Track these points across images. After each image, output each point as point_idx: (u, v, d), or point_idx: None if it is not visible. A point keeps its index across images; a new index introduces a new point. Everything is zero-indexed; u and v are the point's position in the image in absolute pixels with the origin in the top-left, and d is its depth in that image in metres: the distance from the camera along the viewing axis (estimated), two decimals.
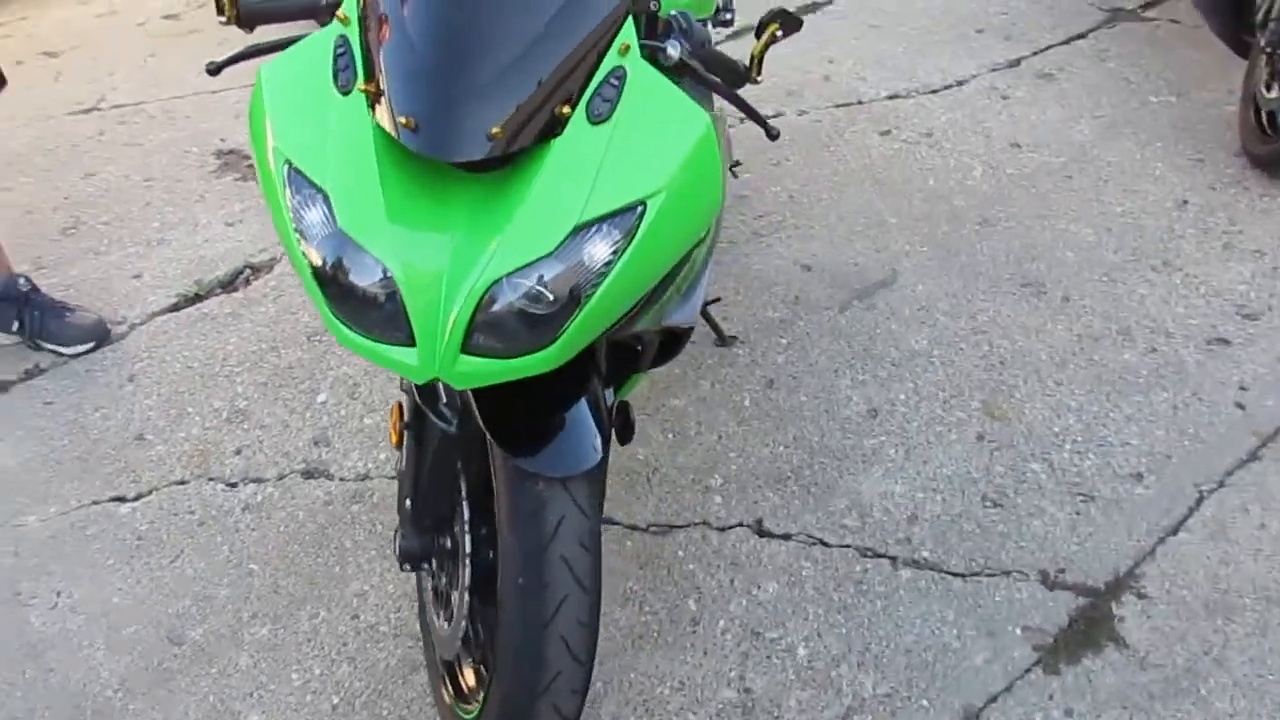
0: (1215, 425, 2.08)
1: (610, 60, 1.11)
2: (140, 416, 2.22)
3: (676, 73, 1.28)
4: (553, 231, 1.04)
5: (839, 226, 2.73)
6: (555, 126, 1.08)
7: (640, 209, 1.07)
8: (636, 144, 1.10)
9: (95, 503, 2.03)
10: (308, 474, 2.07)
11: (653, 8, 1.28)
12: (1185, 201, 2.74)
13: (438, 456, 1.38)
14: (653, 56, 1.21)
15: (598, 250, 1.06)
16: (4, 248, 2.41)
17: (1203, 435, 2.06)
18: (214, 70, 1.30)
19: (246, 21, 1.28)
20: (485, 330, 1.06)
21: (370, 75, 1.09)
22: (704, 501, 1.97)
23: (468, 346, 1.06)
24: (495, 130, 1.03)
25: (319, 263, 1.07)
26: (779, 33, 1.50)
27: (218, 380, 2.31)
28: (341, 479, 2.06)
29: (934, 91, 3.37)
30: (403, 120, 1.03)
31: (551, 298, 1.05)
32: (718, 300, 2.36)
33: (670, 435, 2.11)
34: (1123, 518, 1.90)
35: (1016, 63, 3.51)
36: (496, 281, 1.03)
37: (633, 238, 1.07)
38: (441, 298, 1.04)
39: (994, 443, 2.06)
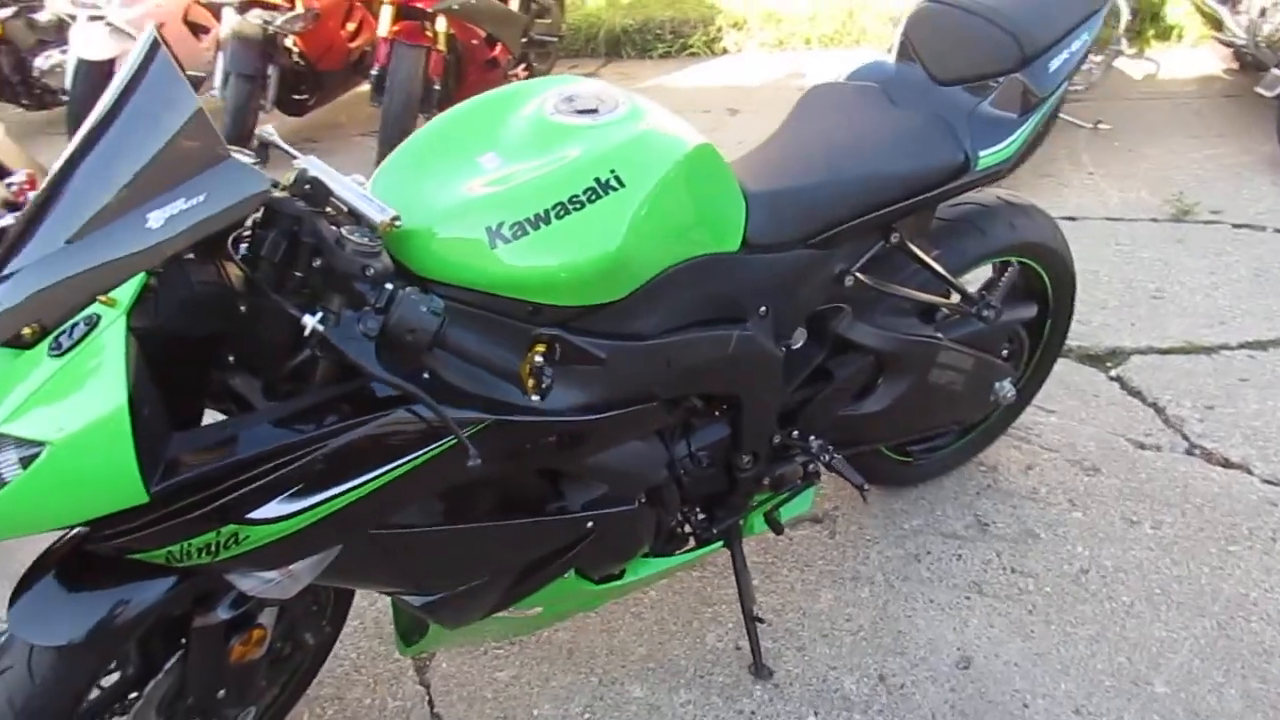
0: None
1: (94, 305, 1.09)
2: None
3: (320, 350, 1.17)
4: None
5: (1076, 646, 1.87)
6: (24, 343, 1.11)
7: (39, 450, 1.06)
8: (70, 389, 1.07)
9: None
10: None
11: (367, 269, 1.17)
12: None
13: None
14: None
15: (8, 460, 1.08)
16: None
17: None
18: None
19: None
20: None
21: None
22: None
23: None
24: None
25: None
26: (540, 356, 1.25)
27: None
28: None
29: None
30: None
31: None
32: (762, 621, 1.88)
33: None
34: None
35: None
36: None
37: (25, 468, 1.07)
38: None
39: None
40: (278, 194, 1.21)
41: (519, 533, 1.47)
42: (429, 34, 4.36)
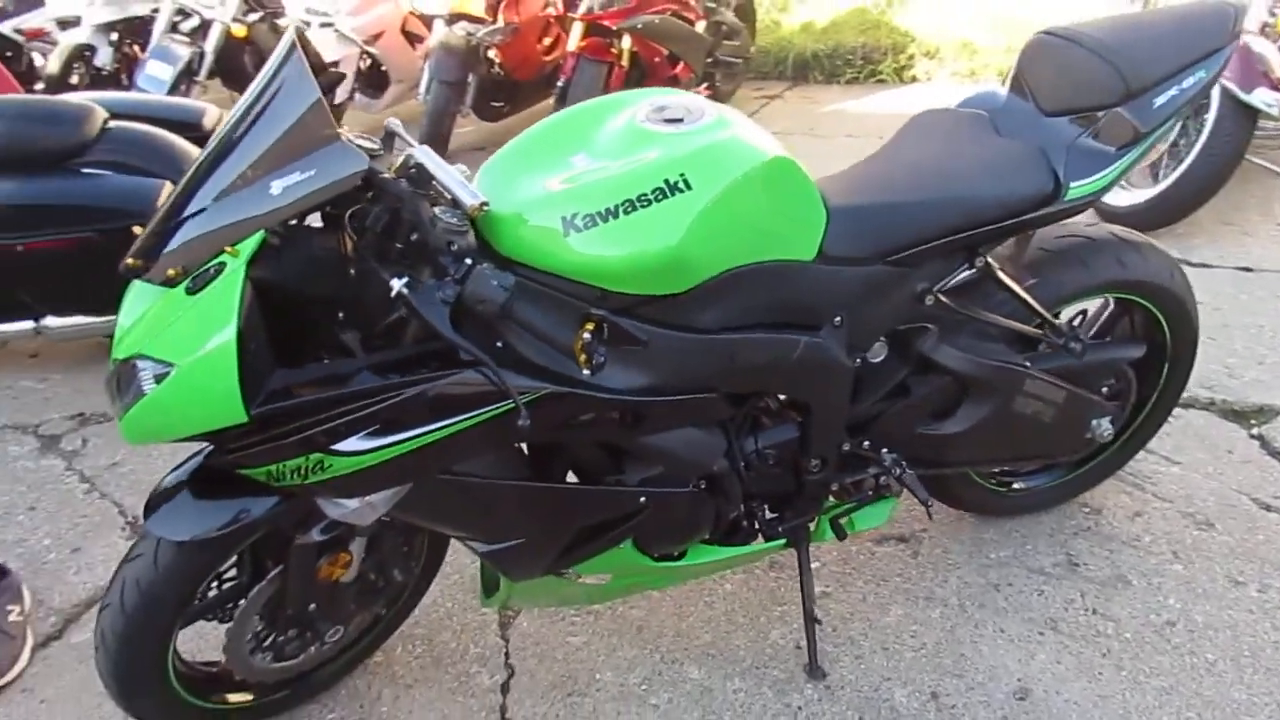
0: None
1: (223, 255, 1.32)
2: None
3: (404, 311, 1.37)
4: (133, 346, 1.36)
5: (1144, 695, 1.82)
6: (171, 282, 1.35)
7: (170, 369, 1.31)
8: (196, 322, 1.31)
9: None
10: None
11: (452, 245, 1.35)
12: None
13: None
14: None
15: (147, 376, 1.34)
16: None
17: None
18: None
19: None
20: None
21: None
22: None
23: None
24: (132, 262, 1.36)
25: None
26: (588, 334, 1.39)
27: None
28: None
29: None
30: None
31: (121, 389, 1.38)
32: (819, 623, 1.94)
33: None
34: None
35: None
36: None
37: (159, 383, 1.32)
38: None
39: None
40: (387, 176, 1.41)
41: (575, 496, 1.61)
42: (613, 51, 4.62)
